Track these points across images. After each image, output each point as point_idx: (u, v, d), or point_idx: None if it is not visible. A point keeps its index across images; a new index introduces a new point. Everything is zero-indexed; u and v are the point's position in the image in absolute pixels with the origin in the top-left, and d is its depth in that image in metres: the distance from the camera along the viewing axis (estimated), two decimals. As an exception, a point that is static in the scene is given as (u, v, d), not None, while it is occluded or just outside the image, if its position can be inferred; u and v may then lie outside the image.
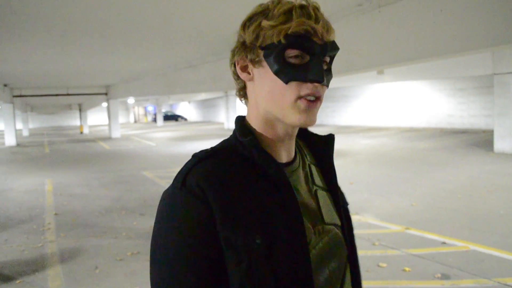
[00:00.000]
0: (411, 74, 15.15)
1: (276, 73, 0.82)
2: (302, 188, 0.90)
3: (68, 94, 22.99)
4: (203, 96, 34.02)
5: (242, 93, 0.93)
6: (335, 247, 0.92)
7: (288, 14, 0.80)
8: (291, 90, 0.82)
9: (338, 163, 11.92)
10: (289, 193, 0.83)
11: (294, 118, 0.83)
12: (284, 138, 0.89)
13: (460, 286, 3.93)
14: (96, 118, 52.99)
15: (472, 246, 4.94)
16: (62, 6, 5.00)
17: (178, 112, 56.89)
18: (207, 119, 49.85)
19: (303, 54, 0.81)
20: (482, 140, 16.22)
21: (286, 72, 0.81)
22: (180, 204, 0.81)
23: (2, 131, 24.27)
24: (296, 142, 0.98)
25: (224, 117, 34.13)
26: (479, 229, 5.57)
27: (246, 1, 4.91)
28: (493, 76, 12.98)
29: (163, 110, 52.97)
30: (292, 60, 0.81)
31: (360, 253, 4.84)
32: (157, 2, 4.97)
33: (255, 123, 0.90)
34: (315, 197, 0.92)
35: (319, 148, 1.00)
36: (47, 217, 7.09)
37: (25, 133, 35.16)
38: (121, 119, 54.92)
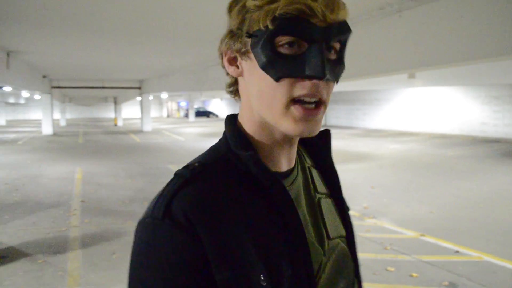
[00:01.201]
0: (444, 79, 14.85)
1: (264, 67, 0.64)
2: (304, 200, 0.76)
3: (103, 87, 23.71)
4: (234, 93, 34.39)
5: (233, 89, 0.77)
6: (343, 263, 0.78)
7: None
8: (282, 90, 0.64)
9: (362, 166, 11.89)
10: (295, 220, 0.69)
11: (288, 127, 0.66)
12: (283, 143, 0.72)
13: (467, 295, 3.92)
14: (130, 111, 54.27)
15: (486, 257, 4.88)
16: (96, 5, 5.26)
17: (210, 109, 57.55)
18: (238, 116, 50.09)
19: (299, 41, 0.63)
20: (516, 150, 15.73)
21: (276, 66, 0.63)
22: (163, 240, 0.62)
23: (41, 120, 25.24)
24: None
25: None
26: (496, 241, 5.48)
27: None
28: (529, 85, 12.58)
29: (195, 106, 53.67)
30: (285, 50, 0.63)
31: (370, 256, 4.88)
32: (185, 2, 5.16)
33: (249, 126, 0.73)
34: (319, 207, 0.78)
35: (316, 148, 0.85)
36: (73, 204, 7.44)
37: (63, 123, 36.47)
38: (154, 113, 56.04)
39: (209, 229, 0.62)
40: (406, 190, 8.79)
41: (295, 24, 0.61)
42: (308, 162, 0.83)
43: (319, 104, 0.65)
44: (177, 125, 34.67)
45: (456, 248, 5.19)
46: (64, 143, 19.32)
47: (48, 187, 8.91)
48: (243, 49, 0.67)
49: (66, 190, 8.65)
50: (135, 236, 0.67)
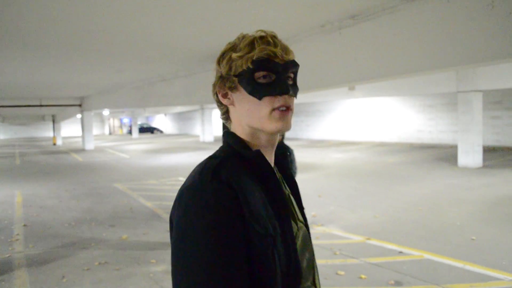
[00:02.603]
0: (382, 90, 15.67)
1: (250, 93, 0.99)
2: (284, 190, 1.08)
3: (41, 105, 22.72)
4: (178, 109, 34.10)
5: (226, 116, 1.10)
6: (307, 241, 1.08)
7: (251, 44, 0.99)
8: (265, 105, 0.99)
9: (309, 176, 12.23)
10: (283, 197, 1.02)
11: (272, 126, 1.00)
12: (267, 146, 1.06)
13: (411, 291, 4.19)
14: (70, 130, 52.19)
15: (427, 255, 5.23)
16: (35, 21, 5.12)
17: (154, 125, 56.61)
18: (183, 131, 49.74)
19: (269, 74, 0.99)
20: (448, 155, 16.83)
21: (258, 91, 0.99)
22: (213, 195, 0.89)
23: (-29, 142, 23.70)
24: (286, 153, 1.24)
25: (199, 130, 34.11)
26: (435, 240, 5.88)
27: (217, 21, 5.14)
28: (457, 94, 13.58)
29: (139, 122, 52.65)
30: (261, 80, 0.99)
31: (321, 262, 5.07)
32: (130, 19, 5.16)
33: (242, 135, 1.06)
34: (289, 198, 1.10)
35: (278, 158, 1.16)
36: (15, 228, 7.08)
37: (-4, 144, 34.36)
38: (96, 130, 54.28)
39: (243, 194, 0.92)
40: (351, 197, 9.17)
41: (266, 63, 0.99)
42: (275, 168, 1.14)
43: (288, 109, 1.02)
44: (121, 142, 33.79)
45: (399, 249, 5.51)
46: (-1, 166, 18.25)
47: (-15, 213, 8.41)
48: (233, 86, 1.03)
49: (5, 214, 8.21)
50: (184, 196, 0.93)
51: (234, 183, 0.92)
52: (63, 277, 4.79)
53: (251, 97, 1.00)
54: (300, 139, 30.65)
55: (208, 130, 33.05)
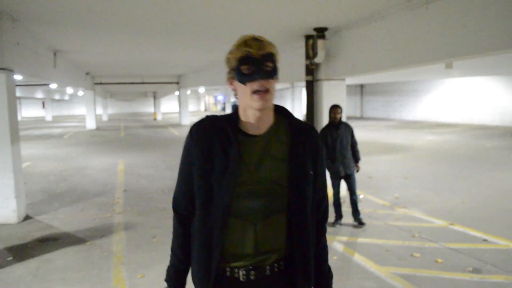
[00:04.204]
0: (482, 69, 14.48)
1: (239, 81, 1.42)
2: (253, 152, 1.46)
3: (142, 83, 24.44)
4: (269, 87, 34.45)
5: (236, 96, 1.51)
6: (265, 195, 1.42)
7: (237, 47, 1.42)
8: (248, 88, 1.41)
9: (396, 157, 11.88)
10: (235, 151, 1.42)
11: (254, 104, 1.40)
12: (253, 120, 1.45)
13: (490, 280, 4.01)
14: (169, 106, 55.46)
15: (515, 245, 4.93)
16: (137, 6, 5.63)
17: (246, 102, 57.86)
18: (274, 110, 50.27)
19: (250, 66, 1.39)
20: (560, 141, 15.16)
21: (244, 79, 1.41)
22: (187, 138, 1.53)
23: (85, 115, 26.41)
24: (285, 125, 1.52)
25: (289, 108, 34.20)
26: (527, 230, 5.49)
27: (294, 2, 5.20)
28: None
29: (232, 100, 54.18)
30: (245, 71, 1.40)
31: (397, 243, 5.03)
32: (219, 2, 5.43)
33: (241, 111, 1.49)
34: (262, 160, 1.45)
35: (297, 134, 1.52)
36: (117, 193, 7.94)
37: (105, 118, 37.85)
38: (192, 107, 57.01)
39: (199, 144, 1.47)
40: (439, 180, 8.79)
41: (246, 59, 1.39)
42: (283, 139, 1.49)
43: (267, 91, 1.39)
44: (214, 119, 35.12)
45: (484, 236, 5.25)
46: (106, 137, 20.20)
47: (93, 178, 9.50)
48: (232, 76, 1.46)
49: (109, 180, 9.20)
50: None
51: (197, 136, 1.48)
52: (154, 237, 5.35)
53: (240, 84, 1.42)
54: (392, 119, 29.50)
55: (298, 108, 33.12)
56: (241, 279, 1.43)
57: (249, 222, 1.42)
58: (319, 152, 1.54)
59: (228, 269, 1.45)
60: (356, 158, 5.82)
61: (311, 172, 1.50)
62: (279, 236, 1.45)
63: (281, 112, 1.55)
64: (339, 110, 5.67)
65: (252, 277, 1.43)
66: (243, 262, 1.43)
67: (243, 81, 1.40)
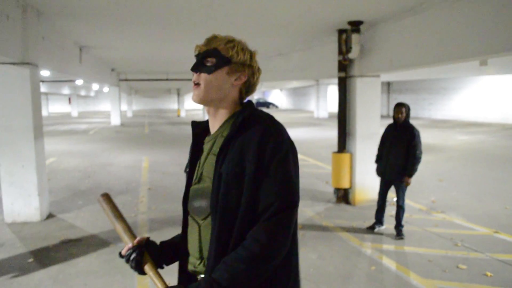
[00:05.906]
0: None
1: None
2: (205, 150, 1.47)
3: (167, 79, 24.39)
4: (294, 84, 34.03)
5: None
6: (202, 193, 1.42)
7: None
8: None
9: (428, 159, 11.40)
10: (190, 151, 1.53)
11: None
12: (209, 115, 1.49)
13: (549, 298, 3.63)
14: (192, 103, 55.51)
15: None
16: (162, 3, 5.45)
17: (270, 99, 57.63)
18: (298, 107, 49.92)
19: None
20: None
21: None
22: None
23: (110, 111, 26.62)
24: (235, 123, 1.38)
25: (314, 106, 33.80)
26: None
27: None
28: None
29: (256, 97, 53.95)
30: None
31: (440, 252, 4.66)
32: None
33: None
34: (206, 158, 1.45)
35: (236, 129, 1.39)
36: (141, 191, 7.77)
37: (129, 114, 38.19)
38: (215, 104, 56.97)
39: (194, 140, 1.54)
40: (477, 184, 8.31)
41: (197, 55, 1.46)
42: (225, 135, 1.40)
43: (197, 85, 1.42)
44: (237, 116, 34.98)
45: (535, 247, 4.82)
46: (131, 133, 20.23)
47: (118, 175, 9.37)
48: None
49: (134, 178, 9.05)
50: None
51: (196, 132, 1.53)
52: (179, 240, 5.10)
53: None
54: (420, 118, 28.70)
55: (323, 106, 32.63)
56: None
57: (195, 222, 1.47)
58: (265, 152, 1.29)
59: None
60: (406, 169, 5.03)
61: (237, 170, 1.30)
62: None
63: (245, 107, 1.48)
64: (402, 110, 5.10)
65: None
66: (192, 267, 1.46)
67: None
